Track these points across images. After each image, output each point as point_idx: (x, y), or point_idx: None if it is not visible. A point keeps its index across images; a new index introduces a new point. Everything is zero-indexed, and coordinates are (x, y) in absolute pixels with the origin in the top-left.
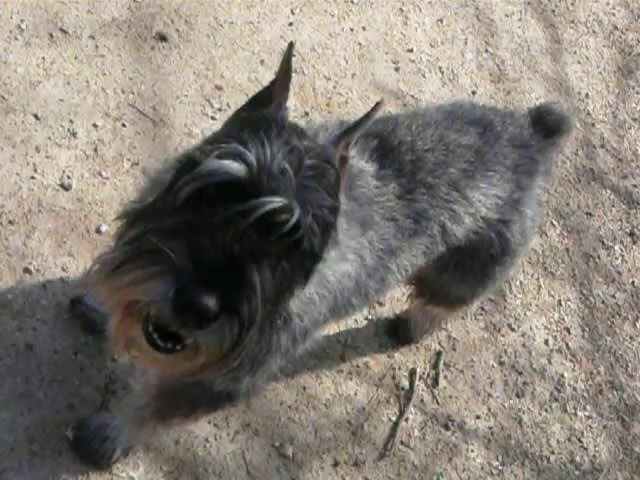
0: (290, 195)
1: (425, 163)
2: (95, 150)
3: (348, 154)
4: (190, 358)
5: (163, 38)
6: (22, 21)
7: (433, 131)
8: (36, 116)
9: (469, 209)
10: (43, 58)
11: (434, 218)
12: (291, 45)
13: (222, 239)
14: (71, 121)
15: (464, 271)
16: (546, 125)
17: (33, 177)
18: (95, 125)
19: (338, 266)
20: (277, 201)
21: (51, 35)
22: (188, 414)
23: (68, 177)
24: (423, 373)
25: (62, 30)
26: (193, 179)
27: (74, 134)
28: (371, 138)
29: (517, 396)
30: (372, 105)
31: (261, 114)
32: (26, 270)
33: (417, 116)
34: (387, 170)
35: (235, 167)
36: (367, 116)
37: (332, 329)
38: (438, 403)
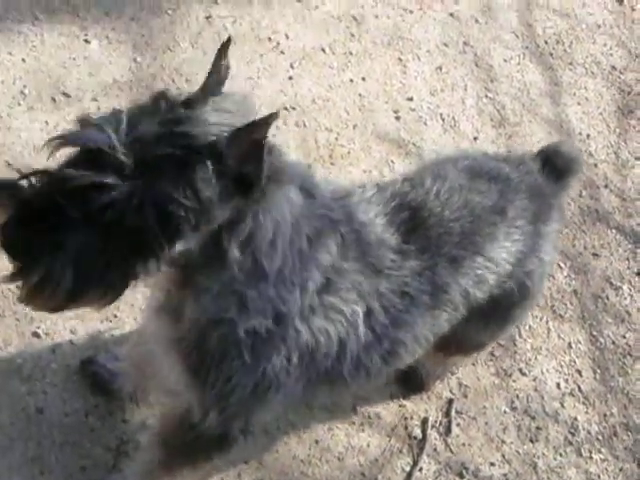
0: (118, 170)
1: (452, 236)
2: None
3: (260, 148)
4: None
5: None
6: (25, 86)
7: (459, 196)
8: None
9: (494, 269)
10: (46, 122)
11: (457, 289)
12: (228, 39)
13: (48, 191)
14: None
15: (487, 320)
16: (556, 167)
17: None
18: None
19: (313, 319)
20: (91, 177)
21: (53, 99)
22: (192, 463)
23: None
24: (435, 421)
25: (64, 94)
26: (61, 137)
27: None
28: (402, 209)
29: (531, 441)
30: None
31: (163, 92)
32: (35, 334)
33: (442, 180)
34: (410, 245)
35: (98, 136)
36: (270, 117)
37: None
38: (452, 451)
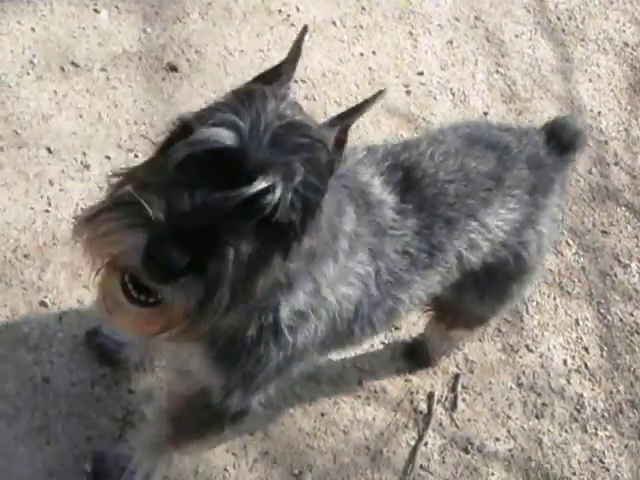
0: (275, 170)
1: (446, 196)
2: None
3: (345, 137)
4: (160, 314)
5: (174, 68)
6: (34, 56)
7: (454, 160)
8: (49, 150)
9: (487, 235)
10: (55, 92)
11: (451, 249)
12: (305, 29)
13: (202, 202)
14: (84, 153)
15: (482, 290)
16: (561, 141)
17: (47, 210)
18: (108, 157)
19: (338, 287)
20: (262, 186)
21: (62, 69)
22: (199, 438)
23: (82, 210)
24: (441, 396)
25: (73, 63)
26: (186, 145)
27: (87, 166)
28: (397, 169)
29: (537, 417)
30: (375, 93)
31: (260, 88)
32: (42, 303)
33: (438, 143)
34: (408, 205)
35: (226, 135)
36: (367, 102)
37: (348, 354)
38: (457, 426)
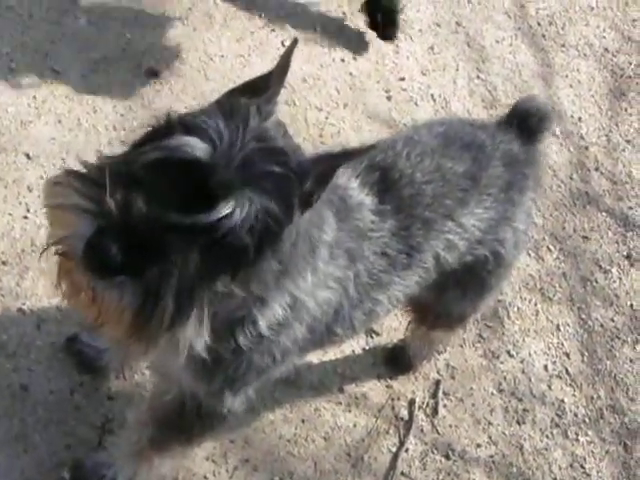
0: (237, 195)
1: (423, 197)
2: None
3: (332, 176)
4: (100, 312)
5: (154, 74)
6: (12, 61)
7: (430, 161)
8: (28, 155)
9: (464, 235)
10: (34, 97)
11: (428, 250)
12: (295, 41)
13: (158, 208)
14: (63, 159)
15: (463, 288)
16: (528, 125)
17: (26, 217)
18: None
19: (317, 292)
20: (221, 215)
21: (42, 74)
22: (182, 441)
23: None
24: (422, 402)
25: (53, 69)
26: (158, 148)
27: None
28: (373, 170)
29: (518, 423)
30: (365, 144)
31: (246, 102)
32: (20, 310)
33: (414, 143)
34: (386, 205)
35: (200, 147)
36: (359, 151)
37: (329, 360)
38: (438, 432)
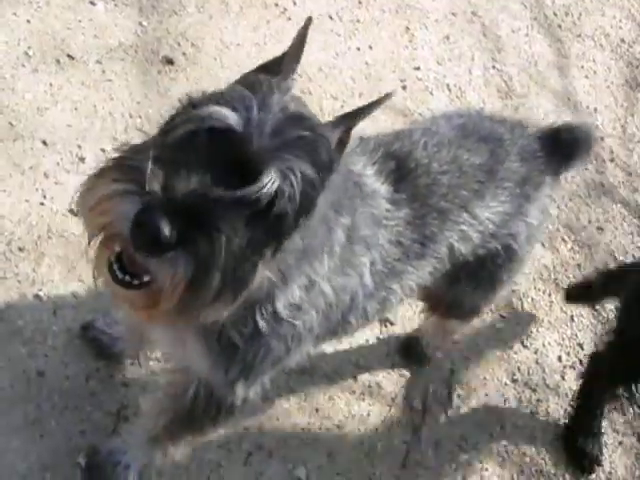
0: (277, 163)
1: (439, 187)
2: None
3: (347, 138)
4: (149, 297)
5: (170, 61)
6: (29, 48)
7: (447, 151)
8: (44, 142)
9: (478, 227)
10: (50, 84)
11: (442, 241)
12: (309, 19)
13: (200, 180)
14: (79, 146)
15: (475, 280)
16: (565, 147)
17: (42, 203)
18: (103, 150)
19: (335, 278)
20: (264, 183)
21: (58, 61)
22: (196, 430)
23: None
24: (436, 392)
25: (69, 56)
26: (189, 119)
27: (82, 159)
28: (389, 159)
29: (531, 413)
30: (378, 98)
31: (266, 78)
32: (36, 297)
33: (431, 134)
34: (401, 194)
35: (229, 115)
36: (373, 104)
37: (344, 349)
38: (451, 422)
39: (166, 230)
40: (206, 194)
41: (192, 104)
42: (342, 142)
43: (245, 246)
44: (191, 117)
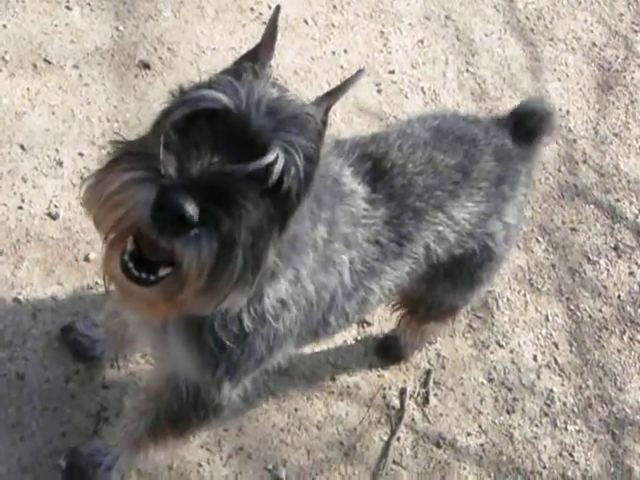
0: (276, 137)
1: (414, 187)
2: (82, 179)
3: (327, 118)
4: (168, 288)
5: (146, 66)
6: (6, 52)
7: (422, 152)
8: (22, 146)
9: (454, 228)
10: (28, 89)
11: (419, 241)
12: (277, 8)
13: (211, 159)
14: (57, 150)
15: (454, 280)
16: (529, 126)
17: (20, 207)
18: (81, 154)
19: (316, 276)
20: (274, 156)
21: (35, 66)
22: (179, 431)
23: (55, 206)
24: (413, 392)
25: (46, 60)
26: (183, 102)
27: (60, 163)
28: (365, 160)
29: (507, 412)
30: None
31: (248, 65)
32: (15, 300)
33: (406, 136)
34: (378, 194)
35: (221, 97)
36: (348, 81)
37: (322, 350)
38: (429, 421)
39: (190, 208)
40: (220, 171)
41: (183, 91)
42: (323, 122)
43: (259, 224)
44: (185, 99)
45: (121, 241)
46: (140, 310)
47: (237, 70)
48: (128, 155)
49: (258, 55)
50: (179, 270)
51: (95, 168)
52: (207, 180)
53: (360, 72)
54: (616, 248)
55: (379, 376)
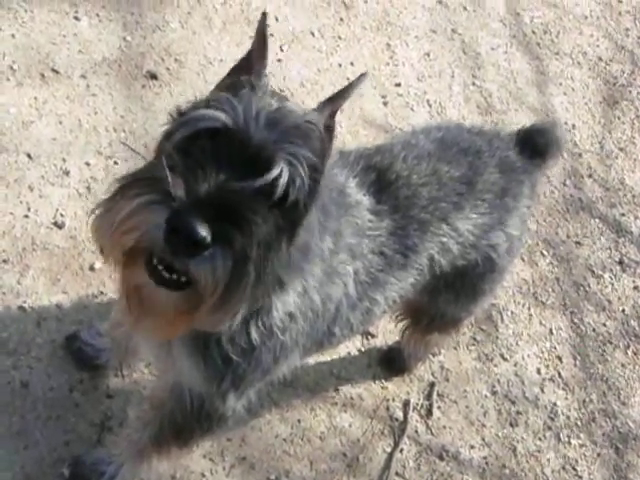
0: (279, 150)
1: (419, 199)
2: (88, 188)
3: (333, 123)
4: (191, 299)
5: (154, 76)
6: (14, 62)
7: (427, 164)
8: (29, 155)
9: (458, 239)
10: (35, 98)
11: (423, 252)
12: (264, 15)
13: (218, 178)
14: (64, 160)
15: (456, 292)
16: (536, 147)
17: (27, 216)
18: (87, 163)
19: (324, 287)
20: (278, 171)
21: (43, 75)
22: (183, 442)
23: (61, 215)
24: (417, 404)
25: (54, 70)
26: (183, 124)
27: (67, 172)
28: (370, 171)
29: (511, 425)
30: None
31: (244, 78)
32: (20, 308)
33: (411, 147)
34: (383, 205)
35: (219, 115)
36: (351, 86)
37: (325, 361)
38: (432, 434)
39: (202, 229)
40: (227, 189)
41: (180, 113)
42: (329, 128)
43: (270, 234)
44: (184, 121)
45: (135, 260)
46: (155, 329)
47: (233, 84)
48: (137, 181)
49: (252, 64)
50: (195, 288)
51: (102, 199)
52: (216, 199)
53: (362, 76)
54: (621, 262)
55: (382, 388)
